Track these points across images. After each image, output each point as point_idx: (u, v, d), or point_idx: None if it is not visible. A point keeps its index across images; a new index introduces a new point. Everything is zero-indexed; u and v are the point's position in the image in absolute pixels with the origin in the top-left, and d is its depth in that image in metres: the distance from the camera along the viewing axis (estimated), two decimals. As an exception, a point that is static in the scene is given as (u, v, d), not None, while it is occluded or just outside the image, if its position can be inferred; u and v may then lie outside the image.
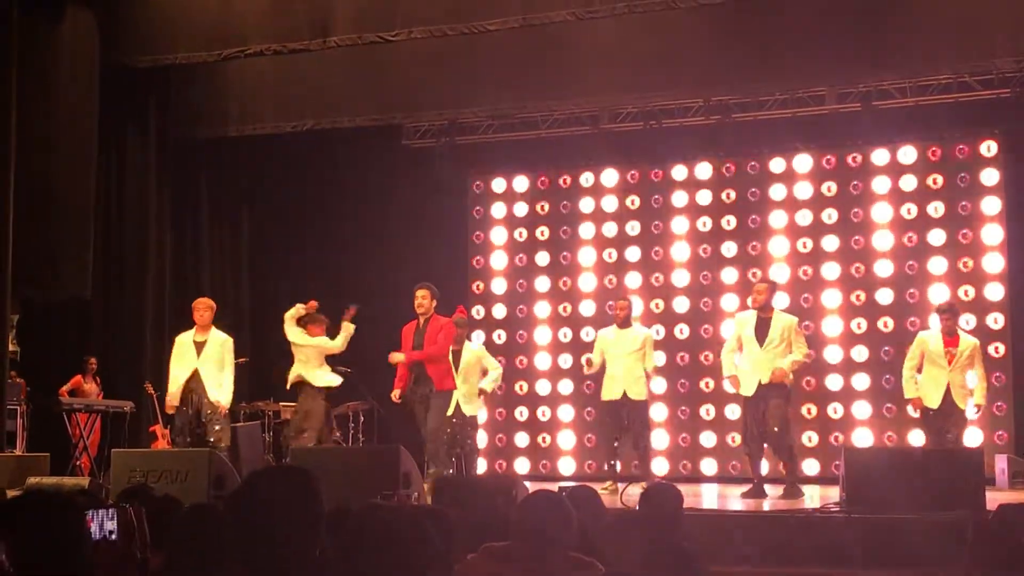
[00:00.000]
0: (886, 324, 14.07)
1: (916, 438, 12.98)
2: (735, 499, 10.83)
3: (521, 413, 15.37)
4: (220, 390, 11.33)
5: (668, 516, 5.37)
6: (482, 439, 15.25)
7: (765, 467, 11.19)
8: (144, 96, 13.83)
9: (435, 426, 10.95)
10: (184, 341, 11.52)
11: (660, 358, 13.65)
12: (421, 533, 3.46)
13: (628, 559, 4.57)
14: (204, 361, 11.35)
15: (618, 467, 12.14)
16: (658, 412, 14.41)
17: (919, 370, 10.94)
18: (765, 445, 10.87)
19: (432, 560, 3.50)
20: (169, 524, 5.01)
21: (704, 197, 14.93)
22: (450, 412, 11.58)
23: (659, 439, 14.42)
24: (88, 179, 12.72)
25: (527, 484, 8.73)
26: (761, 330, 10.70)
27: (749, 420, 10.80)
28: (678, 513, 5.50)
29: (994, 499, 8.18)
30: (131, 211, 13.82)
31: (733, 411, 13.91)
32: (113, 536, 4.34)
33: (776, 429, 10.55)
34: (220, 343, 11.48)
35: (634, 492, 9.84)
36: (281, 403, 13.63)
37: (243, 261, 15.78)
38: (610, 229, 15.27)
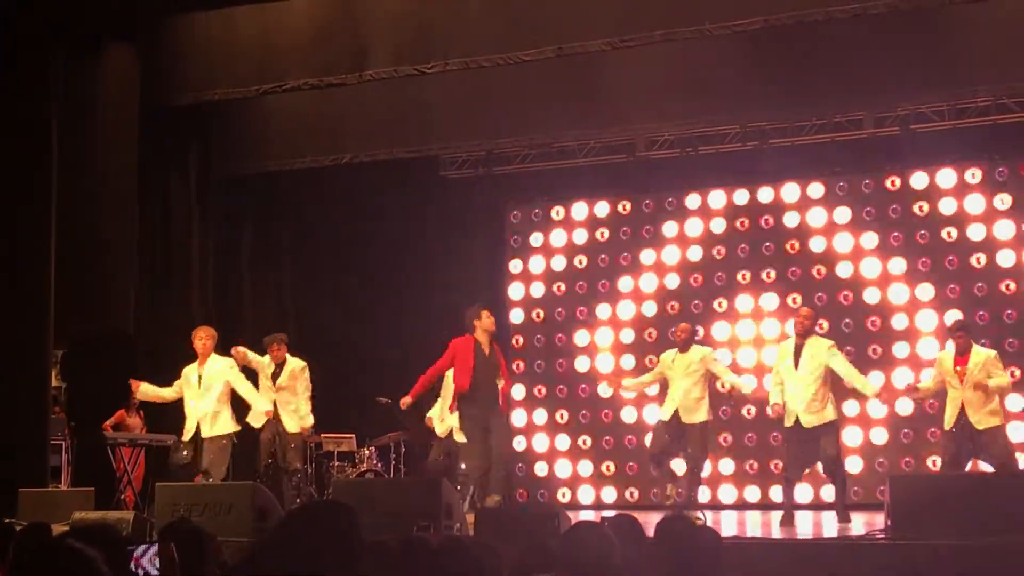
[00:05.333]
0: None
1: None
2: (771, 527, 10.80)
3: (562, 442, 15.34)
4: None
5: (686, 555, 4.63)
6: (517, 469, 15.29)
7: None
8: (184, 132, 13.97)
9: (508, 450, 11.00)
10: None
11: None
12: (471, 566, 3.46)
13: None
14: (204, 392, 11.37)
15: (668, 489, 11.88)
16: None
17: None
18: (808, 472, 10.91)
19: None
20: (199, 557, 5.01)
21: (742, 223, 14.90)
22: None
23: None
24: (131, 216, 12.86)
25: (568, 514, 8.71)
26: (796, 356, 10.70)
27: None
28: (702, 554, 4.69)
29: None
30: (174, 247, 13.93)
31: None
32: (155, 573, 4.37)
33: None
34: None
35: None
36: (323, 434, 13.67)
37: (286, 294, 15.86)
38: (648, 256, 15.26)
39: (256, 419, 11.76)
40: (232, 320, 14.54)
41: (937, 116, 13.53)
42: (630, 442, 14.95)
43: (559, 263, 15.70)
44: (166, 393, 11.61)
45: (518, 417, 15.51)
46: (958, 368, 10.50)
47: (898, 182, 14.29)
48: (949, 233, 14.06)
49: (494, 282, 15.79)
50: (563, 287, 15.65)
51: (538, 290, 15.77)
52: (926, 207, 14.16)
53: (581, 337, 15.48)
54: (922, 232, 14.14)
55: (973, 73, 12.38)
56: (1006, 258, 13.80)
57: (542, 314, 15.71)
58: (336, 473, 13.32)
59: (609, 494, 14.83)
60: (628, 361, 15.12)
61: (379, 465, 13.17)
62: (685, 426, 11.25)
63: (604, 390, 14.83)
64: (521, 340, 15.67)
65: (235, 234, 15.09)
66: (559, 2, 11.63)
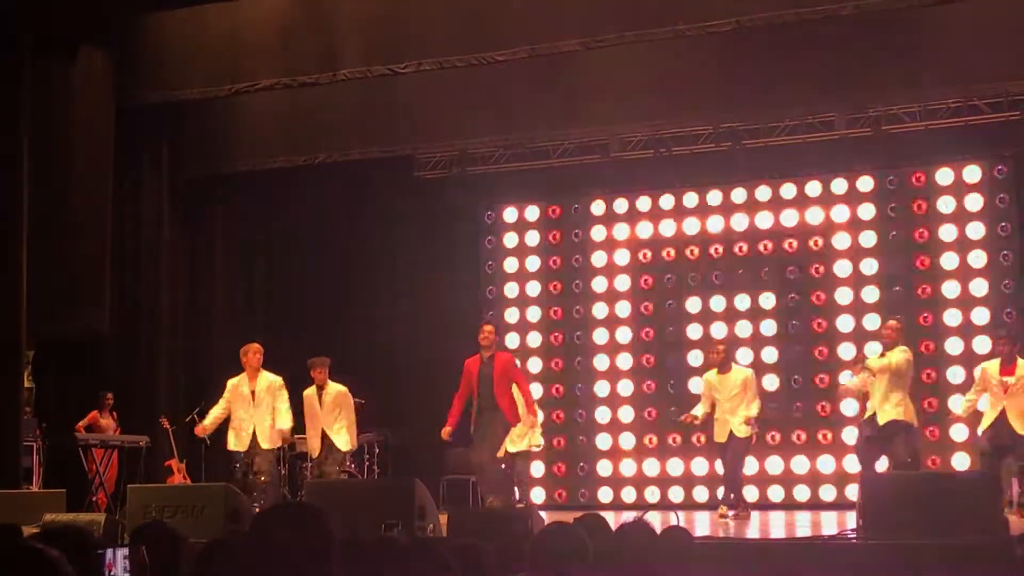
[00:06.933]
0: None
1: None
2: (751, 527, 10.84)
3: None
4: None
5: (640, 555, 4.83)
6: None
7: None
8: (157, 133, 13.91)
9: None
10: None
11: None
12: (440, 567, 3.46)
13: None
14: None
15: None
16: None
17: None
18: None
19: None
20: (171, 559, 4.98)
21: (716, 224, 14.93)
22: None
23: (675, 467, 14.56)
24: (104, 217, 12.79)
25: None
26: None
27: None
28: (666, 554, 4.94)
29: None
30: (146, 247, 13.87)
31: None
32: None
33: None
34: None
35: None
36: (296, 436, 13.61)
37: (257, 295, 15.80)
38: (622, 256, 15.28)
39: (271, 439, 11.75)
40: (204, 321, 14.49)
41: (909, 117, 13.58)
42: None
43: (533, 263, 15.71)
44: (219, 412, 11.60)
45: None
46: (1005, 378, 10.71)
47: (871, 182, 14.38)
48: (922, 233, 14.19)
49: (469, 283, 15.78)
50: (537, 287, 15.65)
51: (512, 291, 15.76)
52: (898, 206, 14.27)
53: (555, 337, 15.49)
54: (894, 233, 14.23)
55: (944, 74, 12.43)
56: (950, 261, 13.93)
57: (517, 314, 15.71)
58: (309, 474, 13.26)
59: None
60: (602, 361, 15.15)
61: (352, 466, 13.13)
62: (735, 439, 11.84)
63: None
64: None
65: (207, 234, 15.03)
66: (532, 2, 11.64)
